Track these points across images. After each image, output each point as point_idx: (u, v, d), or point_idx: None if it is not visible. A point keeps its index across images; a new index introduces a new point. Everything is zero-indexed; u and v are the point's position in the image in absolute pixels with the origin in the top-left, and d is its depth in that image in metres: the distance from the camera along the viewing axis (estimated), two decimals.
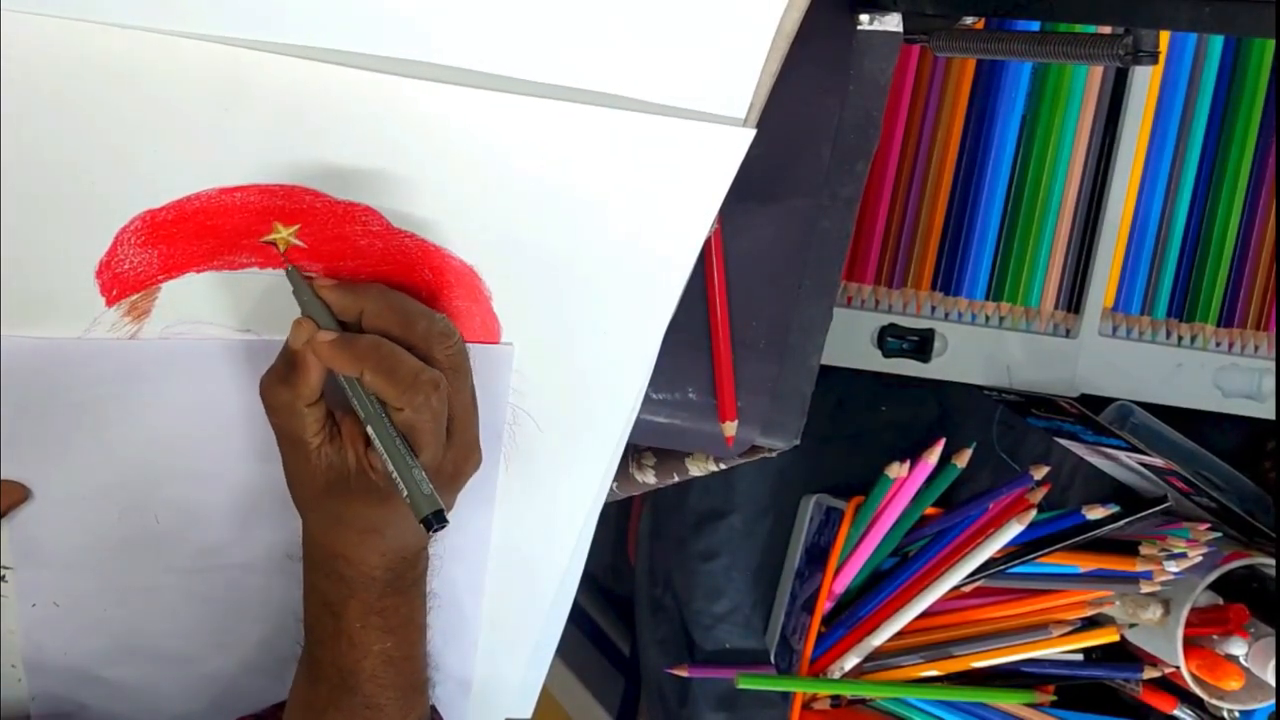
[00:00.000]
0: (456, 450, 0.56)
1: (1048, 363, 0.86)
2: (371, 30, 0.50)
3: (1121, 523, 0.85)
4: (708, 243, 0.63)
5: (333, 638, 0.58)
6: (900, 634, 0.86)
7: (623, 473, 0.75)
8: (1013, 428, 0.90)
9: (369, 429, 0.53)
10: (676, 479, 0.73)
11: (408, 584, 0.58)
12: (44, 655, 0.63)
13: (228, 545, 0.63)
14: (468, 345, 0.57)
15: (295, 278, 0.54)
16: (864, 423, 0.88)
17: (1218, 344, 0.89)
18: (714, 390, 0.66)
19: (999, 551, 0.84)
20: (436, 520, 0.52)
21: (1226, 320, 0.89)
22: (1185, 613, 0.82)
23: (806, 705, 0.89)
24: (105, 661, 0.64)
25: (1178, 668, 0.83)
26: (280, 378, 0.54)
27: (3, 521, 0.59)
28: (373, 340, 0.53)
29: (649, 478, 0.74)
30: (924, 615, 0.86)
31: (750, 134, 0.56)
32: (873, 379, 0.85)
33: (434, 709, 0.64)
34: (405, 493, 0.53)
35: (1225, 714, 0.86)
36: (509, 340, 0.61)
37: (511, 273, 0.58)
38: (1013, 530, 0.83)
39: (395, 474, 0.53)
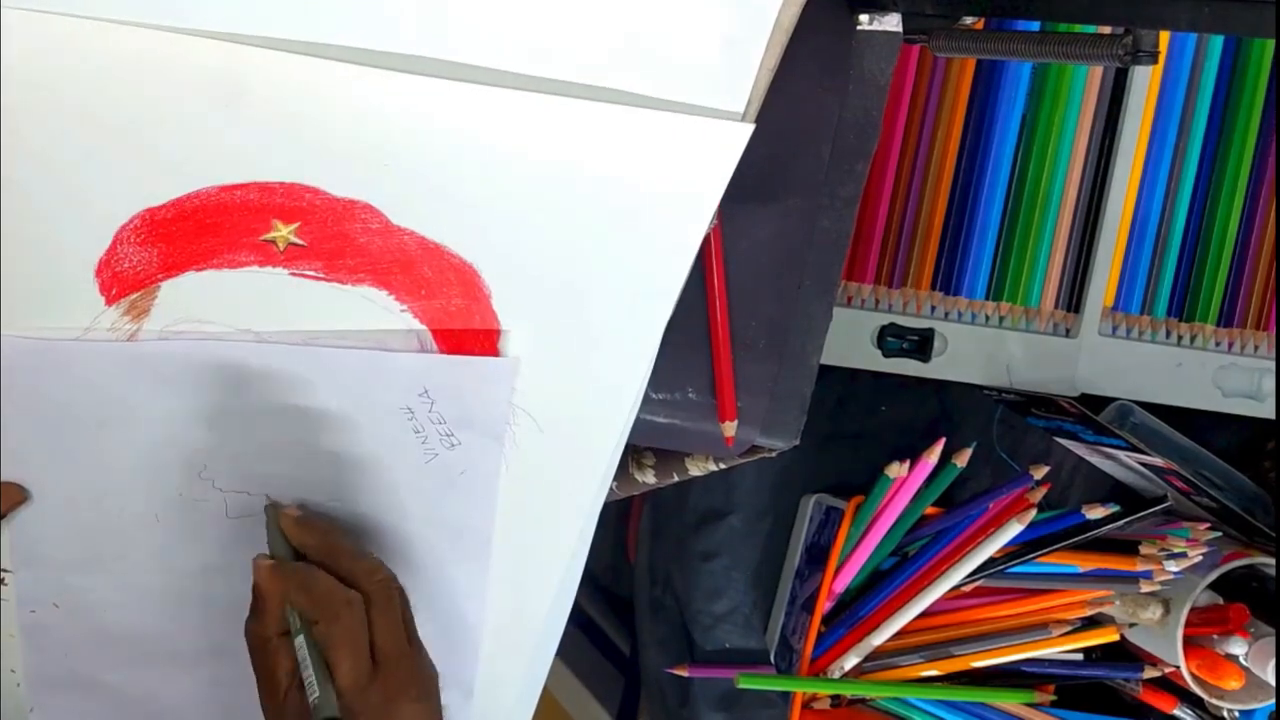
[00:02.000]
0: (386, 682, 0.57)
1: (1048, 362, 0.86)
2: (371, 27, 0.50)
3: (1121, 523, 0.85)
4: (707, 242, 0.63)
5: None
6: (900, 634, 0.86)
7: (622, 472, 0.75)
8: (1013, 427, 0.90)
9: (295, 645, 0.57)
10: (676, 479, 0.73)
11: None
12: (44, 658, 0.63)
13: (227, 545, 0.63)
14: (470, 358, 0.57)
15: (269, 514, 0.61)
16: (864, 423, 0.88)
17: (1218, 344, 0.89)
18: (714, 390, 0.66)
19: (999, 551, 0.84)
20: None
21: (1226, 320, 0.89)
22: (1185, 613, 0.82)
23: (806, 705, 0.89)
24: (106, 665, 0.64)
25: (1178, 667, 0.83)
26: (252, 614, 0.59)
27: (2, 524, 0.59)
28: (298, 566, 0.59)
29: (649, 477, 0.74)
30: (924, 615, 0.86)
31: (749, 129, 0.56)
32: (873, 379, 0.85)
33: None
34: (312, 697, 0.55)
35: (1225, 714, 0.86)
36: (508, 340, 0.61)
37: (511, 270, 0.58)
38: (1013, 530, 0.82)
39: (308, 680, 0.56)
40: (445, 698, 0.68)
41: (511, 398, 0.62)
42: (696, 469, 0.72)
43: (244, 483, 0.61)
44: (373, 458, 0.62)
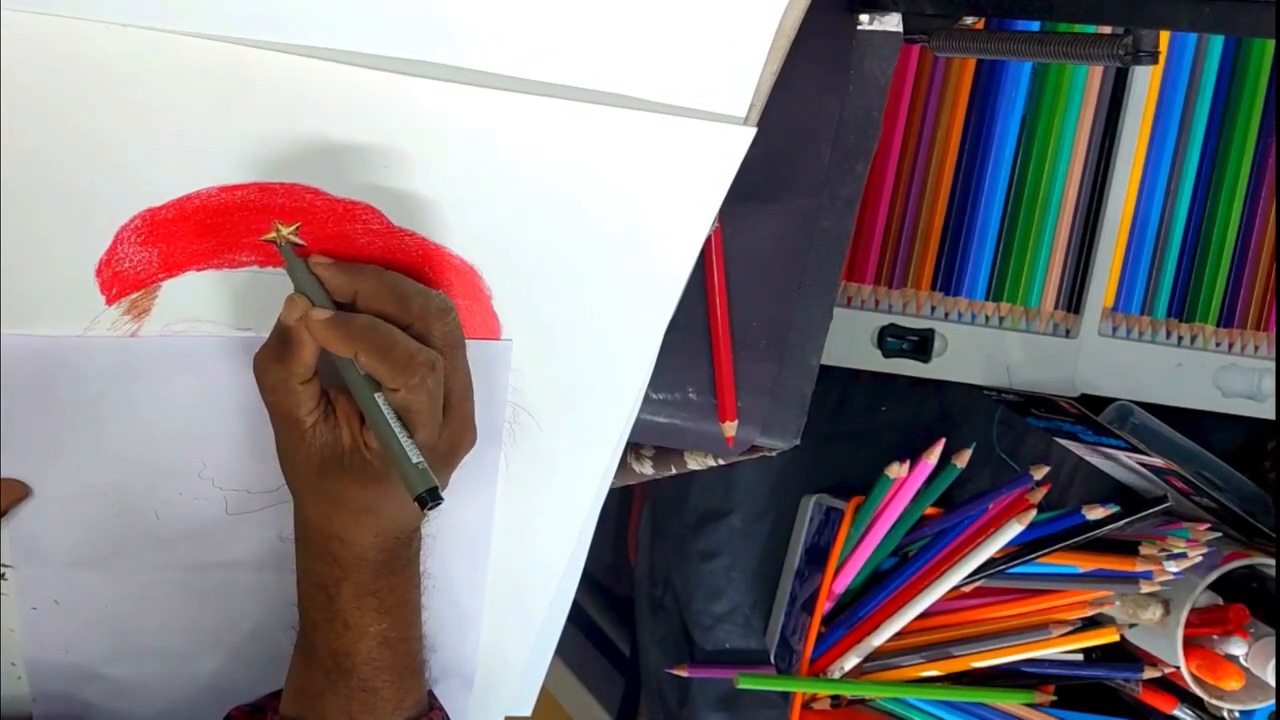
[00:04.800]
0: (452, 428, 0.55)
1: (1048, 363, 0.86)
2: (372, 29, 0.50)
3: (1121, 523, 0.85)
4: (708, 242, 0.63)
5: (327, 620, 0.57)
6: (900, 634, 0.86)
7: (620, 463, 0.75)
8: (1013, 428, 0.90)
9: (364, 406, 0.53)
10: (674, 471, 0.73)
11: (402, 564, 0.58)
12: (46, 654, 0.63)
13: (226, 542, 0.63)
14: (467, 341, 0.57)
15: (289, 254, 0.54)
16: (864, 423, 0.88)
17: (1218, 344, 0.89)
18: (714, 390, 0.66)
19: (999, 551, 0.84)
20: (431, 498, 0.52)
21: (1226, 320, 0.89)
22: (1185, 613, 0.82)
23: (806, 705, 0.89)
24: (107, 659, 0.64)
25: (1178, 668, 0.83)
26: (274, 355, 0.53)
27: (3, 520, 0.59)
28: (368, 320, 0.53)
29: (646, 468, 0.74)
30: (924, 615, 0.86)
31: (751, 132, 0.56)
32: (873, 379, 0.85)
33: (432, 694, 0.64)
34: (401, 471, 0.52)
35: (1225, 714, 0.86)
36: (509, 338, 0.61)
37: (512, 271, 0.58)
38: (1013, 530, 0.83)
39: (391, 453, 0.53)
40: (444, 688, 0.68)
41: (508, 390, 0.62)
42: (695, 463, 0.72)
43: (243, 480, 0.61)
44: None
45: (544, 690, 0.76)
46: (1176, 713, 0.88)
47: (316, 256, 0.54)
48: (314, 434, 0.54)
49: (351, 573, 0.56)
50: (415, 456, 0.52)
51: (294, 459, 0.55)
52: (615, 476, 0.68)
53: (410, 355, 0.52)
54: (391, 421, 0.53)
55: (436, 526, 0.65)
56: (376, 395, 0.53)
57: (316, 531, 0.56)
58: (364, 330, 0.52)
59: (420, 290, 0.54)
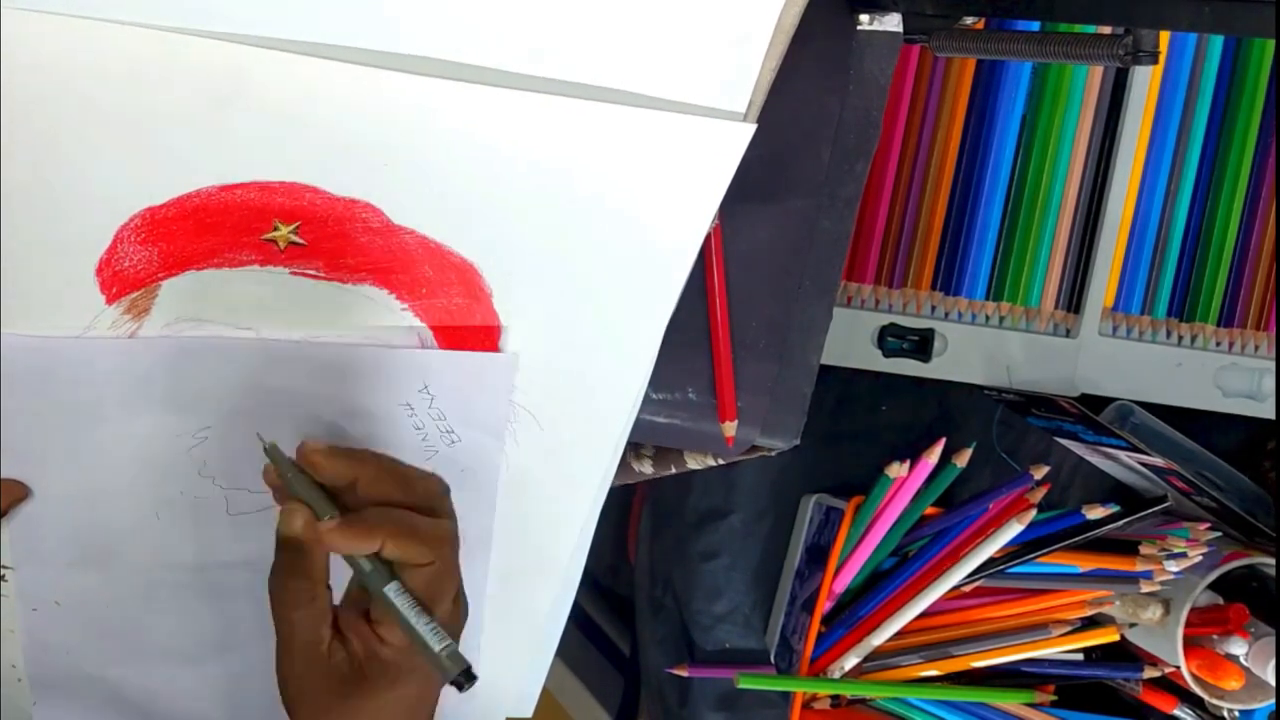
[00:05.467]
0: (463, 602, 0.55)
1: (1048, 363, 0.86)
2: (372, 26, 0.50)
3: (1121, 523, 0.85)
4: (707, 242, 0.63)
5: None
6: (900, 634, 0.86)
7: (620, 463, 0.75)
8: (1013, 428, 0.90)
9: (384, 600, 0.51)
10: (674, 470, 0.73)
11: None
12: (47, 655, 0.63)
13: (228, 542, 0.63)
14: (470, 354, 0.57)
15: (284, 463, 0.53)
16: (864, 423, 0.88)
17: (1218, 344, 0.89)
18: (714, 390, 0.66)
19: (999, 551, 0.84)
20: (466, 679, 0.51)
21: (1226, 320, 0.89)
22: (1185, 613, 0.82)
23: (806, 705, 0.89)
24: (108, 661, 0.64)
25: (1178, 667, 0.83)
26: (289, 571, 0.52)
27: (2, 521, 0.59)
28: (381, 511, 0.52)
29: (645, 467, 0.74)
30: (924, 615, 0.86)
31: (750, 129, 0.56)
32: (873, 379, 0.85)
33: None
34: (430, 659, 0.51)
35: (1225, 714, 0.86)
36: (509, 339, 0.61)
37: (512, 269, 0.58)
38: (1013, 530, 0.82)
39: (417, 642, 0.51)
40: (445, 689, 0.68)
41: (512, 394, 0.62)
42: (695, 462, 0.72)
43: (245, 480, 0.61)
44: None
45: (544, 690, 0.76)
46: (1177, 712, 0.88)
47: (311, 443, 0.53)
48: (332, 651, 0.53)
49: None
50: (442, 640, 0.51)
51: (311, 684, 0.53)
52: (615, 476, 0.68)
53: (438, 530, 0.52)
54: (415, 607, 0.51)
55: None
56: (391, 586, 0.52)
57: None
58: (383, 520, 0.51)
59: (421, 473, 0.54)
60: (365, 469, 0.53)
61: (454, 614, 0.55)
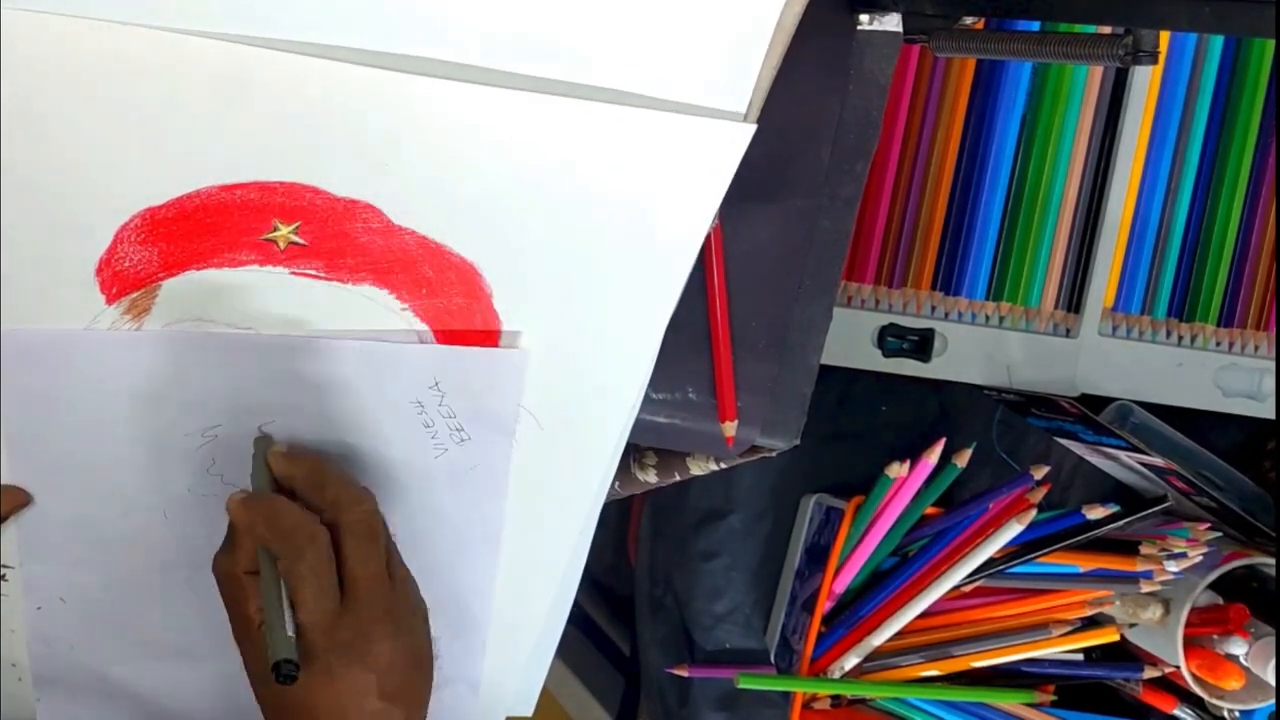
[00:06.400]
0: (358, 616, 0.55)
1: (1048, 362, 0.86)
2: (372, 26, 0.50)
3: (1121, 523, 0.85)
4: (707, 242, 0.63)
5: None
6: (900, 634, 0.86)
7: (624, 471, 0.75)
8: (1013, 427, 0.90)
9: (261, 581, 0.54)
10: (678, 478, 0.73)
11: None
12: (50, 651, 0.63)
13: None
14: (482, 350, 0.57)
15: (258, 450, 0.59)
16: (864, 423, 0.88)
17: (1218, 344, 0.89)
18: (714, 390, 0.66)
19: (999, 551, 0.84)
20: (284, 667, 0.51)
21: (1226, 320, 0.89)
22: (1185, 613, 0.82)
23: (806, 705, 0.89)
24: (112, 658, 0.65)
25: (1178, 667, 0.83)
26: (223, 548, 0.56)
27: (6, 521, 0.59)
28: (268, 497, 0.56)
29: (650, 477, 0.74)
30: (924, 615, 0.86)
31: (751, 129, 0.56)
32: (873, 379, 0.85)
33: None
34: (268, 636, 0.53)
35: (1225, 714, 0.86)
36: (509, 339, 0.61)
37: (512, 269, 0.58)
38: (1013, 530, 0.82)
39: (267, 620, 0.53)
40: (451, 692, 0.68)
41: (520, 398, 0.62)
42: (698, 468, 0.72)
43: (245, 476, 0.61)
44: (382, 452, 0.62)
45: (544, 690, 0.76)
46: (1177, 712, 0.88)
47: (275, 445, 0.59)
48: (260, 635, 0.54)
49: None
50: (289, 628, 0.53)
51: (252, 666, 0.56)
52: (619, 485, 0.68)
53: (294, 526, 0.54)
54: (274, 587, 0.53)
55: (446, 529, 0.65)
56: (269, 562, 0.54)
57: None
58: (261, 504, 0.56)
59: (341, 480, 0.57)
60: (300, 469, 0.58)
61: (341, 624, 0.54)
